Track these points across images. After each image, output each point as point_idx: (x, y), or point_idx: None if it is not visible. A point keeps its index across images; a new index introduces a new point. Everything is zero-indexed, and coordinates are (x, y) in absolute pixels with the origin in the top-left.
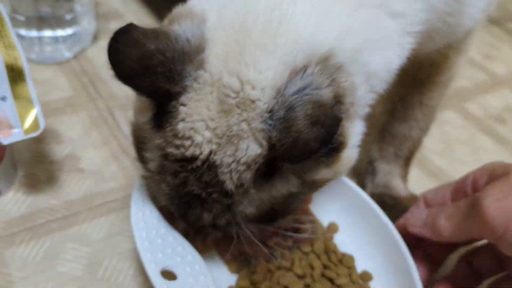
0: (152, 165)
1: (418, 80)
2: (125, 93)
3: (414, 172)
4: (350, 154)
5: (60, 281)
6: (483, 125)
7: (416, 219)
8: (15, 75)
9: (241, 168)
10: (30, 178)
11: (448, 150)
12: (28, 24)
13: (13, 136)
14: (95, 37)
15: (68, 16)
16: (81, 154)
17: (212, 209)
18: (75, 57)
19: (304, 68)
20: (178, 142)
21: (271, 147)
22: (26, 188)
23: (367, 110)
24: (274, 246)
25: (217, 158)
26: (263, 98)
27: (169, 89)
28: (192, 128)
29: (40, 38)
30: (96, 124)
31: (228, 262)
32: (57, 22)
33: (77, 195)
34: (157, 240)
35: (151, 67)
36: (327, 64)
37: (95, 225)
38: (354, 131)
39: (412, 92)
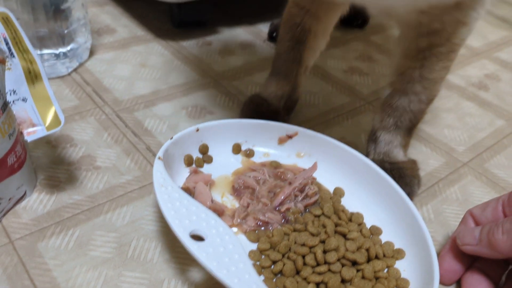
0: None
1: (420, 51)
2: (128, 98)
3: None
4: None
5: (94, 263)
6: (466, 93)
7: (468, 237)
8: (32, 76)
9: None
10: (51, 180)
11: (436, 118)
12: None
13: (37, 133)
14: (91, 52)
15: (65, 35)
16: (95, 153)
17: None
18: (75, 70)
19: None
20: None
21: None
22: (48, 188)
23: None
24: (287, 211)
25: None
26: None
27: None
28: None
29: (41, 55)
30: (105, 126)
31: (246, 233)
32: (55, 40)
33: (98, 189)
34: (182, 209)
35: None
36: None
37: (118, 214)
38: None
39: (414, 66)
